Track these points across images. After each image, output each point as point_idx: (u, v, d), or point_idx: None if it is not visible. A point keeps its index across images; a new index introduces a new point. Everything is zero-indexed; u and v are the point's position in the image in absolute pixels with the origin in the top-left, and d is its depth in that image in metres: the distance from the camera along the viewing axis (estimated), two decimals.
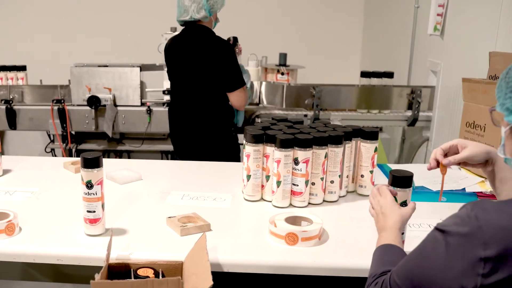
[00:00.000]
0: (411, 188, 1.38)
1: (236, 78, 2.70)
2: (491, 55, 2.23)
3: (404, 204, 1.35)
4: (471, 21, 2.79)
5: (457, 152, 1.36)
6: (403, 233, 1.33)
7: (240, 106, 2.79)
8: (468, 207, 0.93)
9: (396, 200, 1.35)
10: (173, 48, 2.78)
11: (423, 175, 1.94)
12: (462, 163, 1.38)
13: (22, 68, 3.54)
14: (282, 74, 3.41)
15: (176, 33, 3.40)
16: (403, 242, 1.32)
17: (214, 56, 2.64)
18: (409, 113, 3.39)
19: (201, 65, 2.67)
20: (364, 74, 3.50)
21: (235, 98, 2.74)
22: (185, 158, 2.79)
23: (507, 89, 1.03)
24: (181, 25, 2.77)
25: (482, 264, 0.87)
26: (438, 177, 2.03)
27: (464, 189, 1.92)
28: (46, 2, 4.79)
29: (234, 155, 2.84)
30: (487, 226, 0.88)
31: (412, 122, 3.37)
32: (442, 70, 3.16)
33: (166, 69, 3.02)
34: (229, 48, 2.68)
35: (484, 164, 1.35)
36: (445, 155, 1.39)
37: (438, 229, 0.96)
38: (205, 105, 2.75)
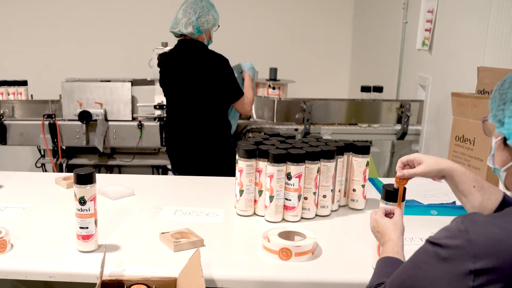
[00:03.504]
0: (403, 202, 1.40)
1: (235, 89, 2.73)
2: (480, 70, 2.26)
3: None
4: (459, 36, 2.83)
5: (414, 167, 1.39)
6: None
7: (246, 112, 2.87)
8: (458, 220, 0.95)
9: None
10: (167, 63, 2.78)
11: (413, 188, 1.95)
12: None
13: (23, 83, 3.54)
14: (273, 88, 3.44)
15: (167, 48, 3.41)
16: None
17: (209, 71, 2.66)
18: (398, 127, 3.42)
19: (196, 79, 2.68)
20: (364, 89, 3.53)
21: (239, 107, 2.81)
22: (183, 172, 2.80)
23: (500, 101, 1.05)
24: (176, 37, 2.77)
25: (472, 276, 0.88)
26: (429, 191, 2.07)
27: (454, 202, 1.94)
28: (37, 17, 4.79)
29: (232, 168, 2.85)
30: (477, 240, 0.90)
31: (401, 136, 3.39)
32: (430, 84, 3.20)
33: (158, 83, 3.02)
34: (223, 61, 2.69)
35: (441, 178, 1.38)
36: (405, 167, 1.41)
37: (429, 241, 0.98)
38: (202, 119, 2.75)
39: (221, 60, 2.69)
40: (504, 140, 1.05)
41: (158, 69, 2.86)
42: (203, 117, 2.75)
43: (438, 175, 1.36)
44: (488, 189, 1.31)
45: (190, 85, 2.70)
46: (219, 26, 2.77)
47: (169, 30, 2.76)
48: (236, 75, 2.79)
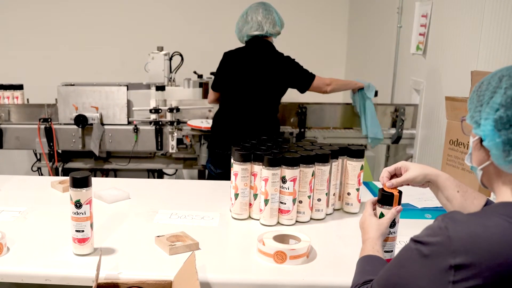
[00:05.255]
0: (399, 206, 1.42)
1: (305, 75, 2.95)
2: (473, 74, 2.28)
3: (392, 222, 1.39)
4: (452, 40, 2.86)
5: (401, 174, 1.43)
6: (394, 232, 1.40)
7: (324, 91, 3.06)
8: (439, 219, 0.99)
9: (383, 216, 1.39)
10: (241, 60, 2.93)
11: (408, 192, 1.95)
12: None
13: (19, 87, 3.54)
14: None
15: (163, 52, 3.43)
16: (395, 238, 1.41)
17: (280, 70, 2.87)
18: (393, 131, 3.43)
19: (269, 75, 2.87)
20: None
21: (317, 89, 3.03)
22: (225, 169, 2.85)
23: (477, 103, 1.08)
24: (245, 41, 2.97)
25: (452, 271, 0.92)
26: (423, 194, 2.08)
27: None
28: (32, 20, 4.80)
29: None
30: (456, 236, 0.93)
31: (396, 139, 3.41)
32: (425, 88, 3.22)
33: (212, 78, 3.26)
34: (289, 59, 2.95)
35: (426, 185, 1.42)
36: (392, 176, 1.46)
37: (412, 240, 1.02)
38: (261, 116, 2.91)
39: (288, 59, 2.93)
40: (481, 140, 1.08)
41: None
42: (263, 113, 2.91)
43: (424, 180, 1.40)
44: (472, 194, 1.35)
45: (261, 81, 2.87)
46: None
47: (244, 34, 2.93)
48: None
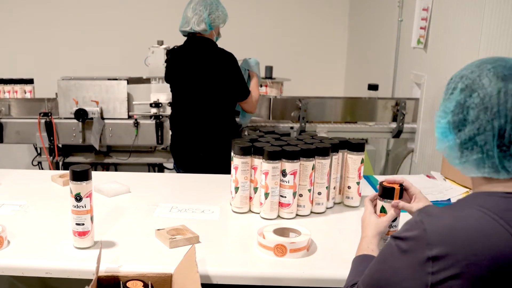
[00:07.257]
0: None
1: (243, 88, 2.77)
2: None
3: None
4: (453, 34, 2.85)
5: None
6: (395, 226, 1.42)
7: (252, 110, 2.91)
8: (415, 214, 1.02)
9: (385, 210, 1.40)
10: (176, 59, 2.79)
11: None
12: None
13: (19, 81, 3.54)
14: (269, 86, 3.45)
15: (163, 46, 3.42)
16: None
17: (218, 68, 2.69)
18: (393, 125, 3.43)
19: (205, 76, 2.70)
20: (371, 87, 3.55)
21: (246, 106, 2.86)
22: (188, 170, 2.81)
23: (440, 101, 1.11)
24: (184, 35, 2.81)
25: (430, 263, 0.94)
26: (424, 188, 2.07)
27: (449, 199, 1.95)
28: (32, 15, 4.79)
29: None
30: (431, 229, 0.96)
31: (397, 134, 3.40)
32: (425, 82, 3.21)
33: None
34: (232, 60, 2.72)
35: None
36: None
37: (392, 236, 1.05)
38: (209, 116, 2.77)
39: (230, 59, 2.72)
40: None
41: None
42: (210, 114, 2.77)
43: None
44: None
45: (198, 82, 2.72)
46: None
47: (179, 30, 2.78)
48: (242, 71, 2.83)
